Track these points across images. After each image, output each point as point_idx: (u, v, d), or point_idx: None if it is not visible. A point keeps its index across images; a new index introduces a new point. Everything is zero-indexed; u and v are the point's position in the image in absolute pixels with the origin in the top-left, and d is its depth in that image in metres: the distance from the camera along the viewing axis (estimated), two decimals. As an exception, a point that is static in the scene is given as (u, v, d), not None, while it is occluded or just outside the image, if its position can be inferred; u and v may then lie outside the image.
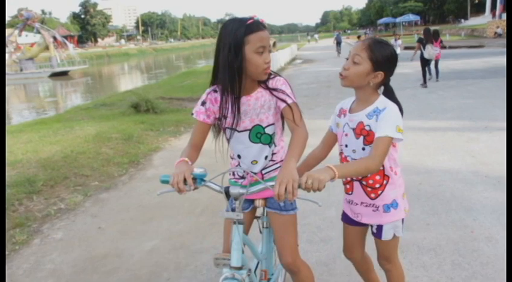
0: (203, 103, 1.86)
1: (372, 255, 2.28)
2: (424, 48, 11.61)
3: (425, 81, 11.49)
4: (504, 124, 6.49)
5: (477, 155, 5.16)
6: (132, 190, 4.76)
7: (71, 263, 3.19)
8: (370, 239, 2.20)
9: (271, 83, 1.83)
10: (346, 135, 1.93)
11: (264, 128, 1.87)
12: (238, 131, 1.87)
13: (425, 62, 11.77)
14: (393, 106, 1.82)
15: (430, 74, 12.31)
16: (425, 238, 3.17)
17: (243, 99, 1.81)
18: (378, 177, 1.90)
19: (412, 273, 2.72)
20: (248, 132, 1.87)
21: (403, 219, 1.99)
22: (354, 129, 1.88)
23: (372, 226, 2.01)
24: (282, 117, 1.89)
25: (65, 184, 4.91)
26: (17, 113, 17.49)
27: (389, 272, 2.13)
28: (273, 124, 1.88)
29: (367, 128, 1.83)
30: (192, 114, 1.86)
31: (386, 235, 1.98)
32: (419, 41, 12.03)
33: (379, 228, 1.97)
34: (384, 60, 1.80)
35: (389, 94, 1.91)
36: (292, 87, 1.86)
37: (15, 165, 5.48)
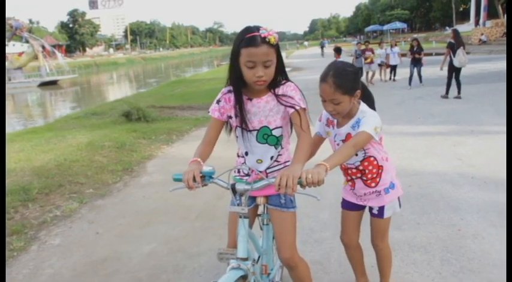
0: (218, 101, 2.00)
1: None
2: (454, 54, 9.92)
3: (447, 92, 10.21)
4: (490, 128, 6.70)
5: (463, 157, 5.32)
6: (127, 197, 4.81)
7: (70, 267, 3.24)
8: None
9: (282, 89, 1.93)
10: (337, 144, 2.15)
11: (271, 130, 1.97)
12: (248, 131, 1.98)
13: (453, 71, 10.13)
14: (372, 112, 2.05)
15: (421, 81, 11.81)
16: (415, 237, 3.29)
17: (254, 101, 1.94)
18: (374, 170, 2.14)
19: (403, 270, 2.83)
20: (256, 132, 1.98)
21: (399, 197, 2.24)
22: (343, 141, 2.10)
23: (372, 208, 2.24)
24: (291, 121, 1.99)
25: (60, 192, 4.94)
26: (6, 122, 17.33)
27: (382, 251, 2.38)
28: (280, 127, 1.99)
29: None
30: (209, 112, 2.01)
31: (387, 214, 2.24)
32: (450, 45, 10.17)
33: (381, 209, 2.22)
34: (353, 83, 1.99)
35: (363, 88, 2.11)
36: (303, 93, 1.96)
37: (9, 174, 5.50)
